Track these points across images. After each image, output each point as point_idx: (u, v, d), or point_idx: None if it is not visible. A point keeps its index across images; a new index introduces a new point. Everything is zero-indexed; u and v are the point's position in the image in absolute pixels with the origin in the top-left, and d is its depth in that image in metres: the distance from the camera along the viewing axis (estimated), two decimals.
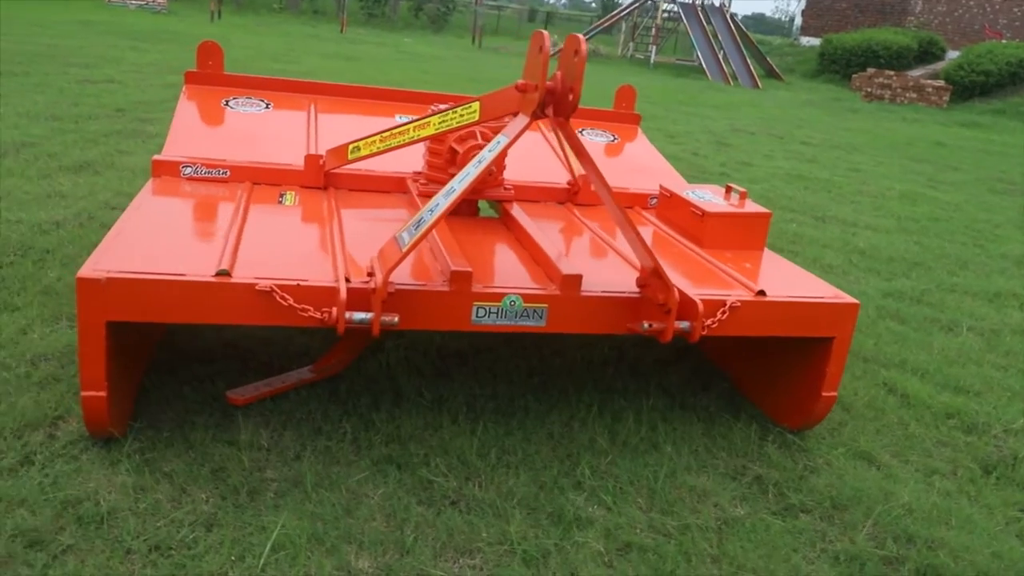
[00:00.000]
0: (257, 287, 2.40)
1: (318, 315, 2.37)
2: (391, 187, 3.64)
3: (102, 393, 2.41)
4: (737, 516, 2.60)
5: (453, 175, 3.25)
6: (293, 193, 3.43)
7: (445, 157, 3.27)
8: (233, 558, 2.16)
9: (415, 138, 2.95)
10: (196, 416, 2.79)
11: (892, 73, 21.45)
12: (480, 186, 3.25)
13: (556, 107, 2.33)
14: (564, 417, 3.07)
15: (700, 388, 3.45)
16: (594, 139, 4.58)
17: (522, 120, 2.36)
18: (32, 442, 2.54)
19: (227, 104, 4.08)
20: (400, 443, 2.76)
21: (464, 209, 3.42)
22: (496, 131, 3.27)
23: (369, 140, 3.15)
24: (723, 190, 3.65)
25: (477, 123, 2.69)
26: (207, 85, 4.22)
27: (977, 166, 11.46)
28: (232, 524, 2.29)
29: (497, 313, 2.60)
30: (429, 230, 2.34)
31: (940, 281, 5.48)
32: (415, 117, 4.21)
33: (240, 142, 3.70)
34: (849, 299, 2.96)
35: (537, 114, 2.34)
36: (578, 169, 3.79)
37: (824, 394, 3.01)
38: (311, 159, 3.52)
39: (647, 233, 3.59)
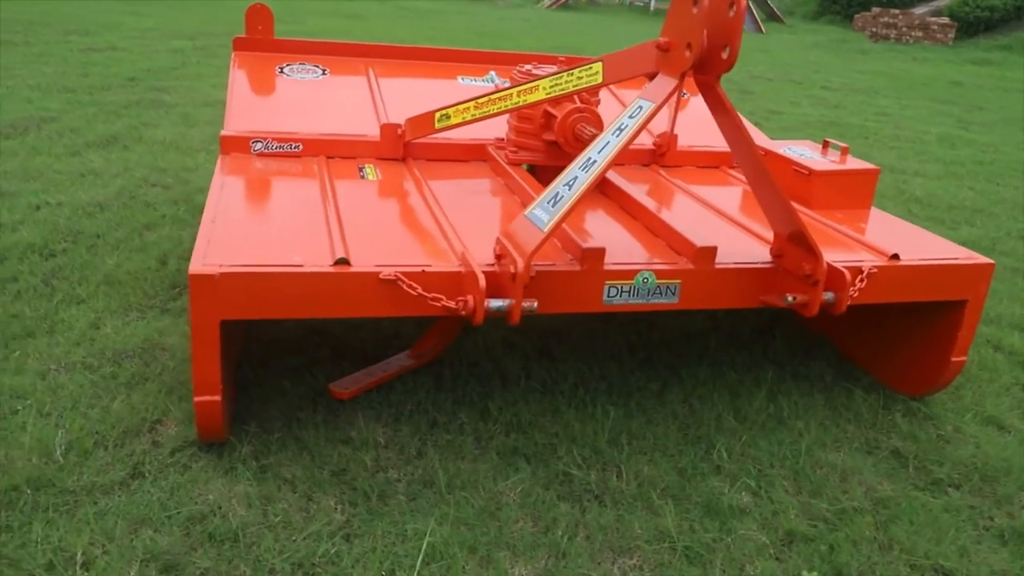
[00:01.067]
0: (381, 276, 2.20)
1: (452, 304, 2.18)
2: (470, 155, 3.42)
3: (217, 397, 2.23)
4: (888, 495, 2.46)
5: (549, 141, 3.07)
6: (372, 166, 3.21)
7: (538, 122, 3.04)
8: (384, 573, 2.01)
9: (520, 104, 2.72)
10: (302, 413, 2.61)
11: (897, 12, 21.00)
12: (577, 150, 3.04)
13: (704, 67, 2.11)
14: (681, 395, 2.90)
15: (806, 356, 3.28)
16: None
17: (669, 82, 2.14)
18: (137, 451, 2.36)
19: (282, 71, 3.82)
20: (523, 432, 2.60)
21: (552, 175, 3.20)
22: (592, 93, 3.06)
23: (462, 107, 2.92)
24: (819, 146, 3.45)
25: (600, 86, 2.46)
26: (257, 51, 3.96)
27: (1000, 105, 11.21)
28: (371, 533, 2.13)
29: (629, 292, 2.41)
30: (572, 208, 2.13)
31: (1007, 228, 5.31)
32: (479, 79, 4.05)
33: (305, 112, 3.47)
34: (983, 259, 2.79)
35: (687, 75, 2.12)
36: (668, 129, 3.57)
37: (954, 359, 2.85)
38: (388, 129, 3.29)
39: (739, 194, 3.39)
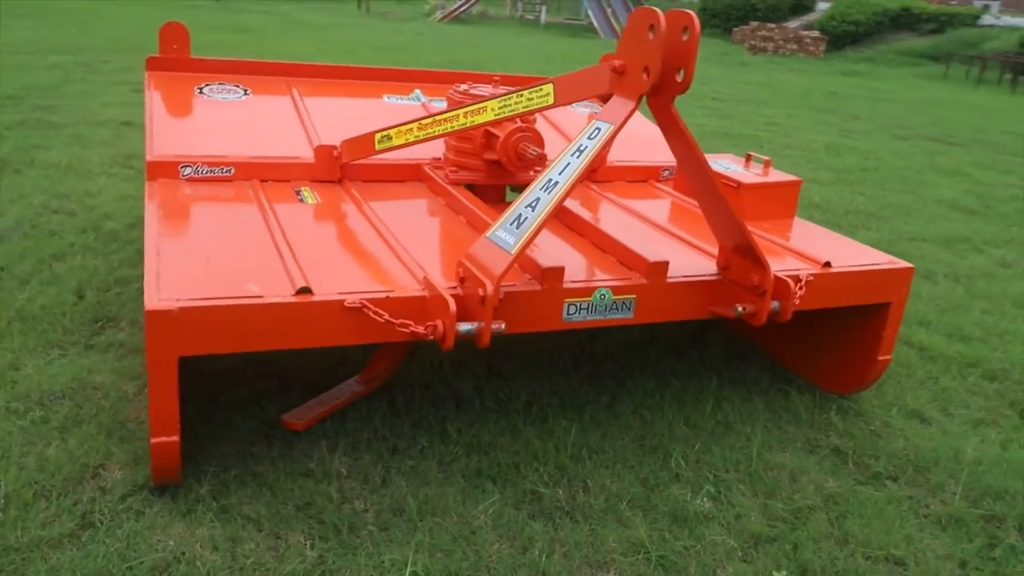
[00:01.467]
0: (346, 303, 2.16)
1: (421, 329, 2.16)
2: (406, 175, 3.39)
3: (176, 438, 2.12)
4: (835, 491, 2.58)
5: (490, 161, 3.08)
6: (309, 189, 3.14)
7: (479, 142, 3.06)
8: None
9: (467, 125, 2.72)
10: (256, 447, 2.52)
11: (773, 26, 22.15)
12: (519, 169, 3.07)
13: (658, 89, 2.17)
14: (631, 406, 2.97)
15: (741, 361, 3.42)
16: (578, 110, 4.44)
17: (626, 104, 2.19)
18: (84, 500, 2.22)
19: (201, 92, 3.69)
20: (485, 453, 2.59)
21: (492, 195, 3.23)
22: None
23: (404, 128, 2.90)
24: (742, 159, 3.61)
25: (550, 107, 2.49)
26: (172, 71, 3.80)
27: (873, 114, 12.00)
28: (348, 567, 2.08)
29: (588, 309, 2.45)
30: (539, 229, 2.15)
31: (900, 231, 5.69)
32: (404, 98, 4.02)
33: (232, 135, 3.36)
34: (904, 264, 2.98)
35: (643, 97, 2.18)
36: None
37: (880, 358, 3.03)
38: (323, 150, 3.23)
39: (667, 207, 3.50)
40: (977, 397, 3.34)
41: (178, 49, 3.81)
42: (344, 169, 3.27)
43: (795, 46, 21.99)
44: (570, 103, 2.51)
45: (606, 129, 2.21)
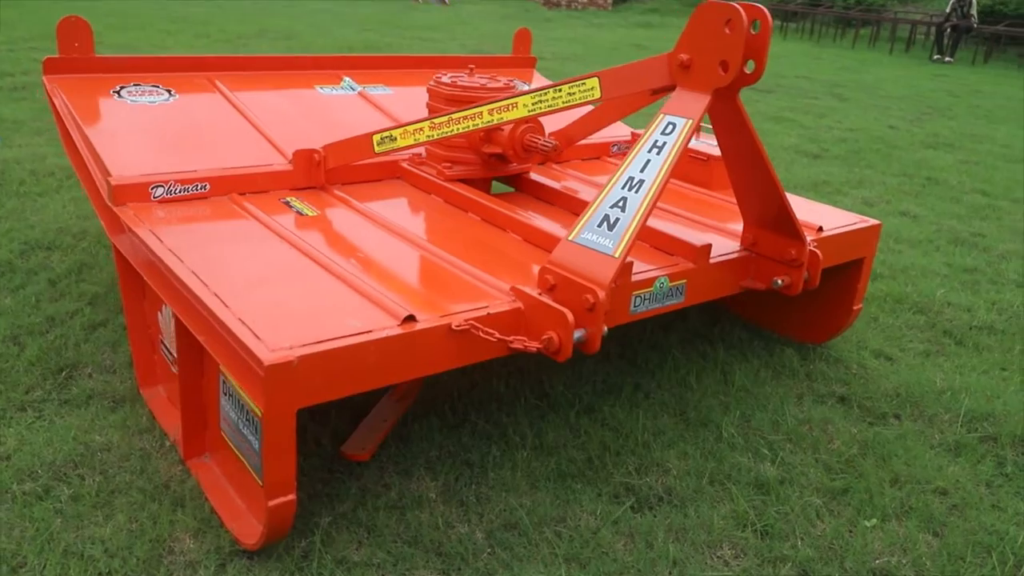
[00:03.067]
0: (453, 327, 2.06)
1: (537, 344, 2.10)
2: (383, 174, 3.22)
3: (293, 496, 1.95)
4: (865, 437, 2.82)
5: (490, 154, 3.00)
6: (296, 199, 2.91)
7: (477, 136, 2.96)
8: None
9: (494, 122, 2.63)
10: (329, 485, 2.35)
11: None
12: (524, 161, 3.02)
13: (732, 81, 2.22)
14: (656, 385, 3.06)
15: (723, 326, 3.60)
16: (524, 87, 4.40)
17: (700, 97, 2.22)
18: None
19: (119, 95, 3.25)
20: (555, 452, 2.58)
21: (481, 188, 3.15)
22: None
23: (412, 128, 2.76)
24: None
25: (595, 102, 2.46)
26: (76, 73, 3.32)
27: None
28: None
29: (650, 298, 2.50)
30: (639, 231, 2.15)
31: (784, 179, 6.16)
32: (336, 87, 3.78)
33: (188, 146, 3.02)
34: (874, 221, 3.27)
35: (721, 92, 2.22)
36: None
37: (855, 308, 3.33)
38: (303, 156, 2.99)
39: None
40: (915, 331, 3.75)
41: (80, 47, 3.32)
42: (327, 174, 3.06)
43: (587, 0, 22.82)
44: (617, 96, 2.50)
45: (683, 123, 2.23)
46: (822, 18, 19.39)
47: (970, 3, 16.07)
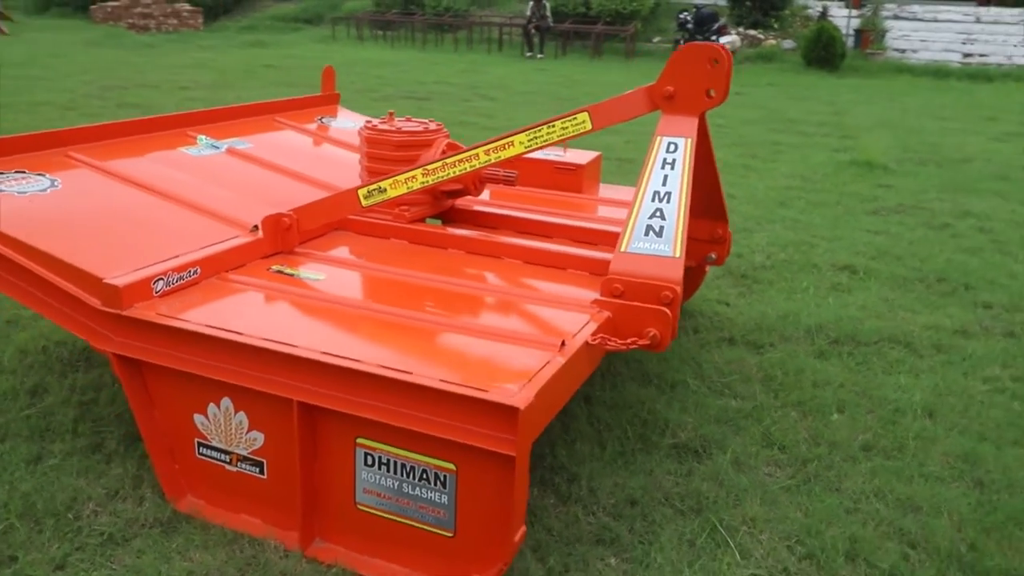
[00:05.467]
0: (589, 341, 2.36)
1: (646, 341, 2.47)
2: (324, 228, 3.20)
3: (524, 528, 2.11)
4: (864, 387, 3.54)
5: (446, 191, 3.19)
6: (286, 267, 2.84)
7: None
8: None
9: (489, 161, 2.86)
10: None
11: (150, 1, 21.21)
12: (478, 193, 3.27)
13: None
14: (625, 380, 3.55)
15: None
16: (345, 124, 4.49)
17: (689, 120, 2.73)
18: None
19: None
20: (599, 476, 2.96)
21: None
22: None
23: (403, 177, 2.86)
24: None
25: (587, 133, 2.83)
26: None
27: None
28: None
29: None
30: (685, 232, 2.61)
31: None
32: (200, 148, 3.59)
33: (128, 236, 2.77)
34: None
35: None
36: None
37: (705, 269, 4.16)
38: (272, 221, 2.90)
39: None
40: (721, 279, 4.73)
41: None
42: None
43: (176, 20, 21.62)
44: (606, 126, 2.90)
45: (684, 141, 2.74)
46: (419, 25, 20.87)
47: (545, 7, 18.68)
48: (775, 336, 3.90)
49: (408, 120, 3.36)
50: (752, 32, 19.05)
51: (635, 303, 2.52)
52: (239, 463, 2.44)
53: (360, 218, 3.22)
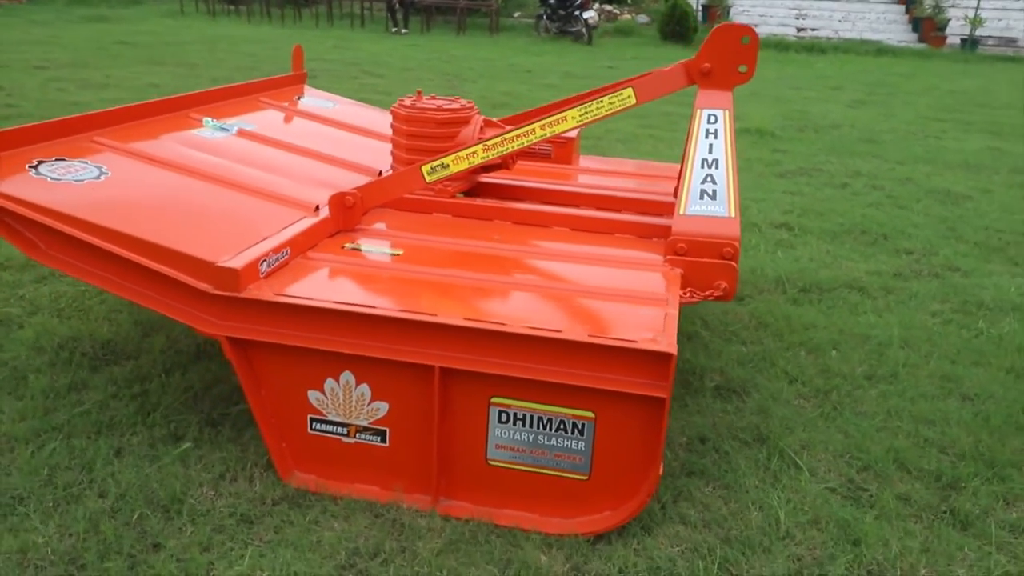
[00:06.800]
0: (684, 296, 2.63)
1: (719, 292, 2.76)
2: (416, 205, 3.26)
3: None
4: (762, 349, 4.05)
5: (481, 168, 3.33)
6: (362, 243, 2.90)
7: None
8: None
9: (544, 135, 3.03)
10: None
11: None
12: (512, 167, 3.42)
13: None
14: None
15: None
16: (322, 104, 4.48)
17: (725, 94, 3.02)
18: None
19: (41, 173, 2.71)
20: None
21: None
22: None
23: (464, 153, 2.99)
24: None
25: (631, 107, 3.06)
26: None
27: (234, 56, 12.49)
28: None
29: None
30: (737, 193, 2.91)
31: None
32: (213, 129, 3.55)
33: (205, 220, 2.77)
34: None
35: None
36: None
37: None
38: (338, 201, 2.95)
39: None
40: None
41: None
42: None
43: None
44: (649, 100, 3.13)
45: (723, 113, 3.03)
46: (273, 0, 20.09)
47: None
48: (751, 288, 4.33)
49: (433, 99, 3.46)
50: (608, 7, 19.80)
51: (704, 259, 2.80)
52: (358, 434, 2.52)
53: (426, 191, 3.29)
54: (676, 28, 17.68)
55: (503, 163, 3.35)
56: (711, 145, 2.99)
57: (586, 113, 3.05)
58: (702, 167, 2.96)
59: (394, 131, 3.39)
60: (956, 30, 18.83)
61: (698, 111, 3.04)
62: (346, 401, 2.49)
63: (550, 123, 3.04)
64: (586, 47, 16.85)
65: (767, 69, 14.27)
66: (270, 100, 4.22)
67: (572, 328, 2.32)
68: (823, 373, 3.43)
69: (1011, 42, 19.30)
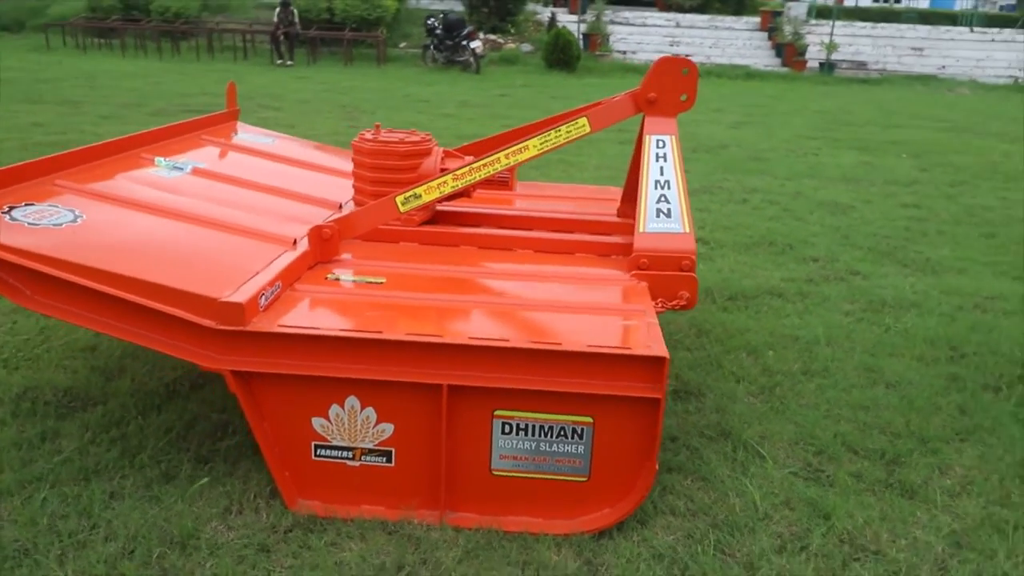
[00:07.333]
0: (658, 309, 2.86)
1: (683, 301, 3.02)
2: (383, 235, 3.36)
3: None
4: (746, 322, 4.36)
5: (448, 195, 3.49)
6: (342, 273, 3.00)
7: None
8: None
9: (508, 164, 3.21)
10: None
11: None
12: (471, 194, 3.58)
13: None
14: None
15: None
16: (259, 139, 4.51)
17: (669, 120, 3.30)
18: None
19: (16, 219, 2.69)
20: None
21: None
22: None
23: (435, 183, 3.14)
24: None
25: (586, 135, 3.29)
26: None
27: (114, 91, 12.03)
28: None
29: None
30: (689, 211, 3.17)
31: None
32: (164, 169, 3.58)
33: (190, 259, 2.82)
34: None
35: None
36: None
37: None
38: (318, 233, 3.03)
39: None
40: None
41: None
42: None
43: None
44: (601, 128, 3.36)
45: (669, 138, 3.31)
46: (149, 33, 19.49)
47: (293, 13, 18.41)
48: None
49: (392, 132, 3.59)
50: (492, 36, 20.28)
51: (666, 272, 3.06)
52: (363, 456, 2.61)
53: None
54: (560, 56, 18.32)
55: (465, 191, 3.51)
56: (662, 167, 3.26)
57: (546, 142, 3.26)
58: (655, 188, 3.22)
59: (356, 164, 3.49)
60: (814, 55, 20.39)
61: (647, 136, 3.31)
62: (351, 425, 2.58)
63: (513, 152, 3.24)
64: (475, 76, 17.21)
65: None
66: (211, 137, 4.23)
67: (568, 340, 2.51)
68: (765, 372, 3.75)
69: (862, 65, 21.06)
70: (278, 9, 18.36)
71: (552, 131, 3.27)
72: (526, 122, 3.93)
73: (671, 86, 3.32)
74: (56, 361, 3.55)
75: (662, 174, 3.26)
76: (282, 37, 18.24)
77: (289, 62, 18.19)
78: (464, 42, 17.80)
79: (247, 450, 2.90)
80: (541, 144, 3.26)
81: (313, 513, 2.61)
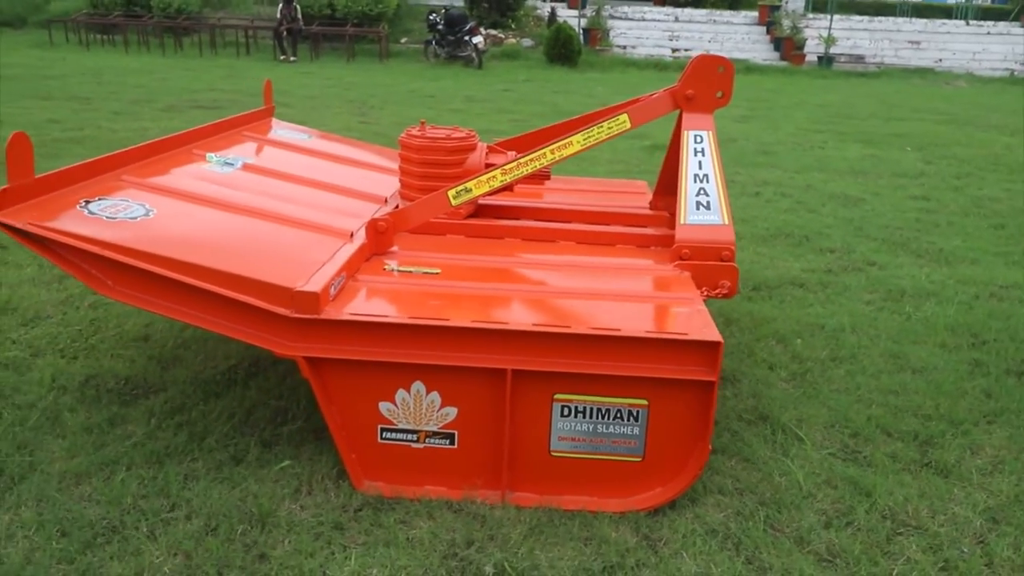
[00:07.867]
0: (704, 295, 3.00)
1: (724, 290, 3.15)
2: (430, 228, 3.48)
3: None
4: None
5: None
6: (396, 264, 3.11)
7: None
8: None
9: (554, 159, 3.33)
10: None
11: None
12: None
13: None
14: None
15: None
16: (297, 136, 4.62)
17: (707, 116, 3.43)
18: None
19: (94, 212, 2.81)
20: None
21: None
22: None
23: (484, 177, 3.25)
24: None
25: (627, 131, 3.41)
26: (28, 200, 2.69)
27: (122, 87, 12.09)
28: None
29: None
30: (728, 204, 3.30)
31: None
32: (214, 163, 3.68)
33: (257, 251, 2.94)
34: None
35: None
36: None
37: None
38: (375, 226, 3.15)
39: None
40: None
41: (24, 170, 2.66)
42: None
43: None
44: (642, 124, 3.48)
45: (707, 133, 3.43)
46: (151, 29, 19.52)
47: (296, 9, 18.46)
48: None
49: (437, 128, 3.70)
50: (493, 32, 20.37)
51: (707, 262, 3.19)
52: (427, 439, 2.73)
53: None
54: (562, 51, 18.43)
55: (509, 186, 3.63)
56: (700, 162, 3.39)
57: (588, 137, 3.38)
58: (695, 181, 3.35)
59: (404, 159, 3.60)
60: (812, 49, 20.54)
61: (685, 132, 3.44)
62: (416, 409, 2.70)
63: (558, 147, 3.36)
64: (478, 71, 17.31)
65: (651, 87, 15.10)
66: (252, 133, 4.33)
67: (625, 327, 2.63)
68: (795, 359, 3.88)
69: (859, 59, 21.22)
70: (281, 5, 18.42)
71: (595, 127, 3.39)
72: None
73: (708, 83, 3.44)
74: (111, 351, 3.66)
75: (701, 168, 3.39)
76: (284, 32, 18.29)
77: (292, 58, 18.26)
78: (466, 37, 17.89)
79: (308, 435, 3.02)
80: (584, 140, 3.38)
81: (380, 494, 2.73)
